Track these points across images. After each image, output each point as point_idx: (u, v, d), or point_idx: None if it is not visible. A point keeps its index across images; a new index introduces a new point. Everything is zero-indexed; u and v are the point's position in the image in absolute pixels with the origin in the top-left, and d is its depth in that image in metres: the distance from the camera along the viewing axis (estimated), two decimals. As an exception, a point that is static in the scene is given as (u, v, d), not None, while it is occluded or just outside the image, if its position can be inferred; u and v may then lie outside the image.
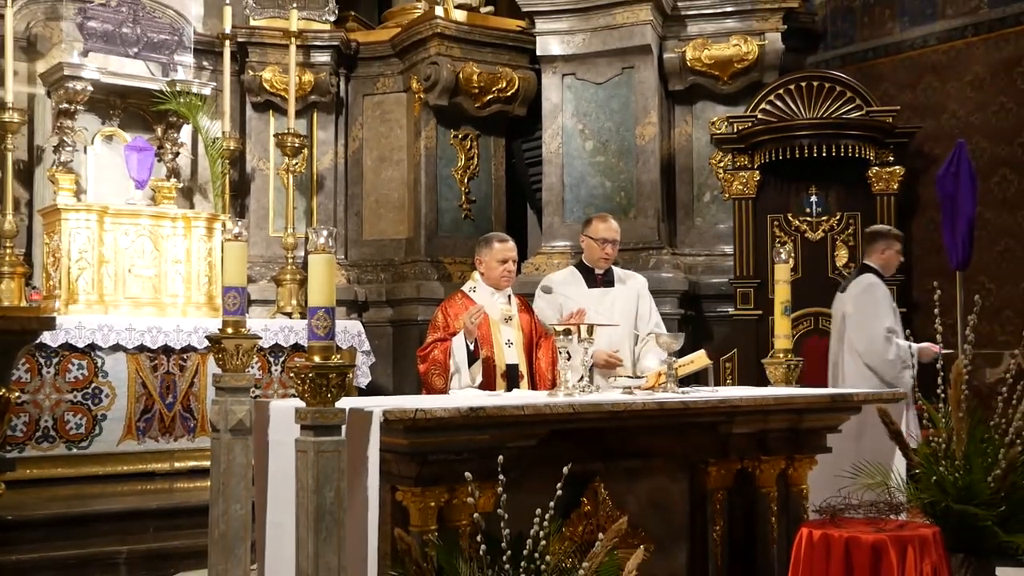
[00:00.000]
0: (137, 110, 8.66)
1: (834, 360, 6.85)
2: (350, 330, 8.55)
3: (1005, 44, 8.57)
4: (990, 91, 8.64)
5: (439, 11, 9.01)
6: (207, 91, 8.68)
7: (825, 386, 6.20)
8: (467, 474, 3.54)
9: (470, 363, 5.33)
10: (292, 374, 3.46)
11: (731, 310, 8.42)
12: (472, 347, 5.34)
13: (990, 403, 4.87)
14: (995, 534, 4.57)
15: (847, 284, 6.85)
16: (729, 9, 8.75)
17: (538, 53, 9.05)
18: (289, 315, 8.74)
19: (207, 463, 4.21)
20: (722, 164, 8.63)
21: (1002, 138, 8.52)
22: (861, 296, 6.61)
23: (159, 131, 8.69)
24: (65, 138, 8.20)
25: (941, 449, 4.79)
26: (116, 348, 7.37)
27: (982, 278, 8.23)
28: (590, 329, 4.68)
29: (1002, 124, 8.54)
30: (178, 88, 8.44)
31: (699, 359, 5.51)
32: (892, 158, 8.16)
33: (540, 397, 4.40)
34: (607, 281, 6.03)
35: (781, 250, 5.64)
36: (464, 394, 4.95)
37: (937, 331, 5.11)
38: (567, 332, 4.63)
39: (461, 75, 9.17)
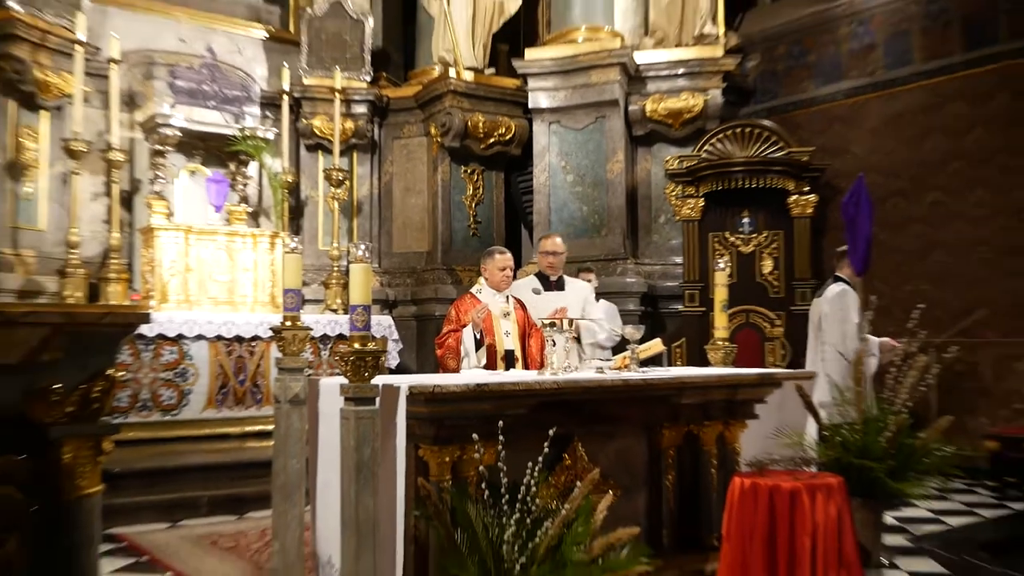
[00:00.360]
0: (215, 150, 8.67)
1: (812, 349, 6.81)
2: (382, 323, 8.58)
3: (895, 100, 8.60)
4: (883, 137, 8.67)
5: (452, 73, 9.04)
6: (270, 135, 8.69)
7: (753, 367, 6.21)
8: (474, 435, 3.56)
9: (476, 348, 5.35)
10: (337, 357, 3.48)
11: (681, 307, 8.44)
12: (478, 336, 5.35)
13: (883, 380, 4.89)
14: (885, 483, 4.59)
15: (823, 290, 6.83)
16: (680, 72, 8.78)
17: (530, 106, 9.07)
18: (335, 311, 8.75)
19: (271, 427, 4.22)
20: (674, 193, 8.64)
21: (893, 174, 8.55)
22: (835, 300, 6.60)
23: (232, 167, 8.70)
24: (158, 172, 8.23)
25: (844, 416, 4.82)
26: (199, 337, 7.39)
27: (876, 282, 8.22)
28: (571, 322, 4.71)
29: (893, 163, 8.57)
30: (247, 133, 8.46)
31: (655, 345, 5.55)
32: (807, 189, 8.19)
33: (531, 376, 4.41)
34: (559, 286, 6.12)
35: (720, 261, 5.68)
36: (472, 373, 4.96)
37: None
38: (552, 325, 4.65)
39: (469, 123, 9.19)
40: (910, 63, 8.53)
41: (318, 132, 9.38)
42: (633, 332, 4.98)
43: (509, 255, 5.69)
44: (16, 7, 7.42)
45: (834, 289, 6.68)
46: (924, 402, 7.42)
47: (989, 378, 7.81)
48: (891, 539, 5.24)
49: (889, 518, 5.44)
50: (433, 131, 9.45)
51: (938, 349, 7.55)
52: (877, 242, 8.10)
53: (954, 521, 6.03)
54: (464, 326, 5.38)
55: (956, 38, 8.21)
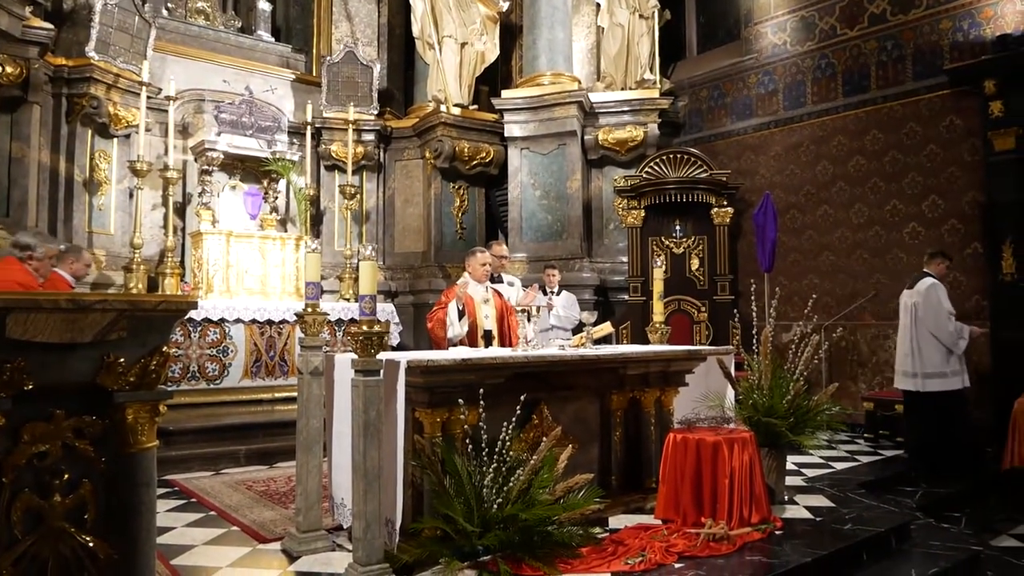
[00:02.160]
0: (251, 170, 8.57)
1: (906, 332, 6.38)
2: (386, 309, 8.52)
3: (793, 133, 8.68)
4: (784, 162, 8.74)
5: (443, 108, 8.98)
6: (295, 158, 8.59)
7: (684, 345, 6.22)
8: (460, 400, 3.54)
9: (459, 319, 5.32)
10: (349, 337, 3.44)
11: (626, 297, 8.46)
12: (460, 308, 5.33)
13: (784, 355, 4.93)
14: (786, 435, 4.64)
15: (913, 283, 6.40)
16: (625, 109, 8.77)
17: (506, 135, 9.03)
18: (347, 300, 8.68)
19: (295, 394, 4.18)
20: (621, 205, 8.64)
21: (791, 191, 8.63)
22: (928, 292, 6.19)
23: (265, 183, 8.59)
24: (205, 187, 8.13)
25: (755, 383, 4.85)
26: (238, 321, 7.30)
27: (780, 277, 8.32)
28: (538, 309, 4.71)
29: (791, 182, 8.64)
30: (277, 156, 8.36)
31: (606, 328, 5.55)
32: (725, 203, 8.22)
33: (507, 352, 4.40)
34: (499, 280, 6.19)
35: (657, 260, 5.67)
36: (458, 350, 4.93)
37: (753, 310, 5.16)
38: (523, 311, 4.64)
39: (457, 148, 9.13)
40: (804, 105, 8.61)
41: (335, 155, 9.28)
42: (588, 317, 4.99)
43: (488, 254, 5.68)
44: (94, 56, 7.37)
45: (926, 283, 6.26)
46: (817, 372, 7.52)
47: (866, 353, 7.90)
48: (791, 480, 5.29)
49: (790, 464, 5.49)
50: (427, 155, 9.39)
51: (827, 330, 7.65)
52: (780, 244, 8.20)
53: (839, 466, 6.09)
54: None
55: (838, 86, 8.31)
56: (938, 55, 7.48)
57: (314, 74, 9.57)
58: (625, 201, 8.52)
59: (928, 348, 6.21)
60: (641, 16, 8.87)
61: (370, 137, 9.44)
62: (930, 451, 6.13)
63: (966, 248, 7.20)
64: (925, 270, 6.45)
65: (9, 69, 6.64)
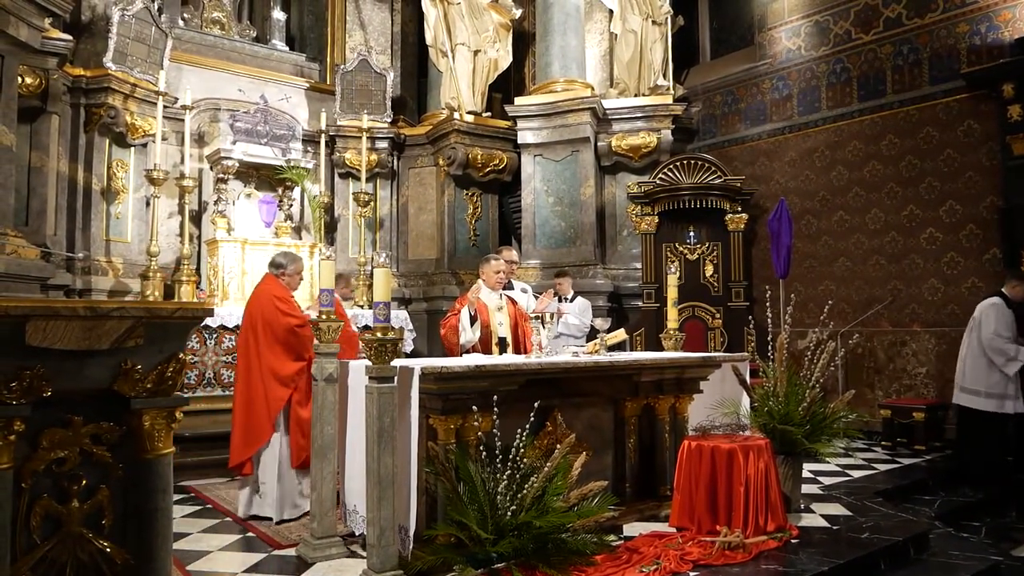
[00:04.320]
0: (266, 178, 8.62)
1: (963, 342, 6.37)
2: (400, 316, 8.53)
3: (808, 139, 8.64)
4: (799, 168, 8.70)
5: (456, 116, 9.01)
6: (310, 166, 8.64)
7: (698, 352, 6.19)
8: (474, 407, 3.54)
9: (471, 324, 5.32)
10: (363, 344, 3.45)
11: (640, 303, 8.41)
12: (472, 314, 5.33)
13: (800, 362, 4.90)
14: (802, 443, 4.61)
15: (985, 299, 6.33)
16: (638, 115, 8.75)
17: (519, 142, 9.03)
18: (361, 307, 8.72)
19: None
20: (634, 211, 8.62)
21: (806, 197, 8.58)
22: (988, 309, 6.15)
23: (280, 191, 8.64)
24: (221, 195, 8.19)
25: (770, 390, 4.82)
26: (253, 327, 7.34)
27: (795, 284, 8.27)
28: (550, 316, 4.71)
29: (807, 188, 8.60)
30: (292, 164, 8.41)
31: (620, 334, 5.54)
32: (740, 208, 8.17)
33: (520, 359, 4.40)
34: (508, 287, 6.13)
35: (671, 266, 5.66)
36: (472, 357, 4.93)
37: (768, 317, 5.13)
38: (538, 317, 4.65)
39: (470, 155, 9.15)
40: (819, 110, 8.58)
41: (349, 163, 9.33)
42: (602, 323, 4.98)
43: (502, 261, 5.68)
44: (112, 66, 7.46)
45: (989, 300, 6.23)
46: (833, 379, 7.47)
47: (883, 359, 7.84)
48: (807, 488, 5.25)
49: (806, 471, 5.44)
50: (441, 162, 9.42)
51: (843, 336, 7.59)
52: (795, 251, 8.17)
53: (856, 474, 6.04)
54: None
55: (853, 91, 8.28)
56: (955, 59, 7.43)
57: (328, 82, 9.64)
58: (639, 207, 8.49)
59: (972, 363, 6.21)
60: (654, 22, 8.87)
61: (384, 145, 9.48)
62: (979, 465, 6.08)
63: (984, 254, 7.13)
64: (1003, 289, 6.30)
65: (29, 80, 6.74)
